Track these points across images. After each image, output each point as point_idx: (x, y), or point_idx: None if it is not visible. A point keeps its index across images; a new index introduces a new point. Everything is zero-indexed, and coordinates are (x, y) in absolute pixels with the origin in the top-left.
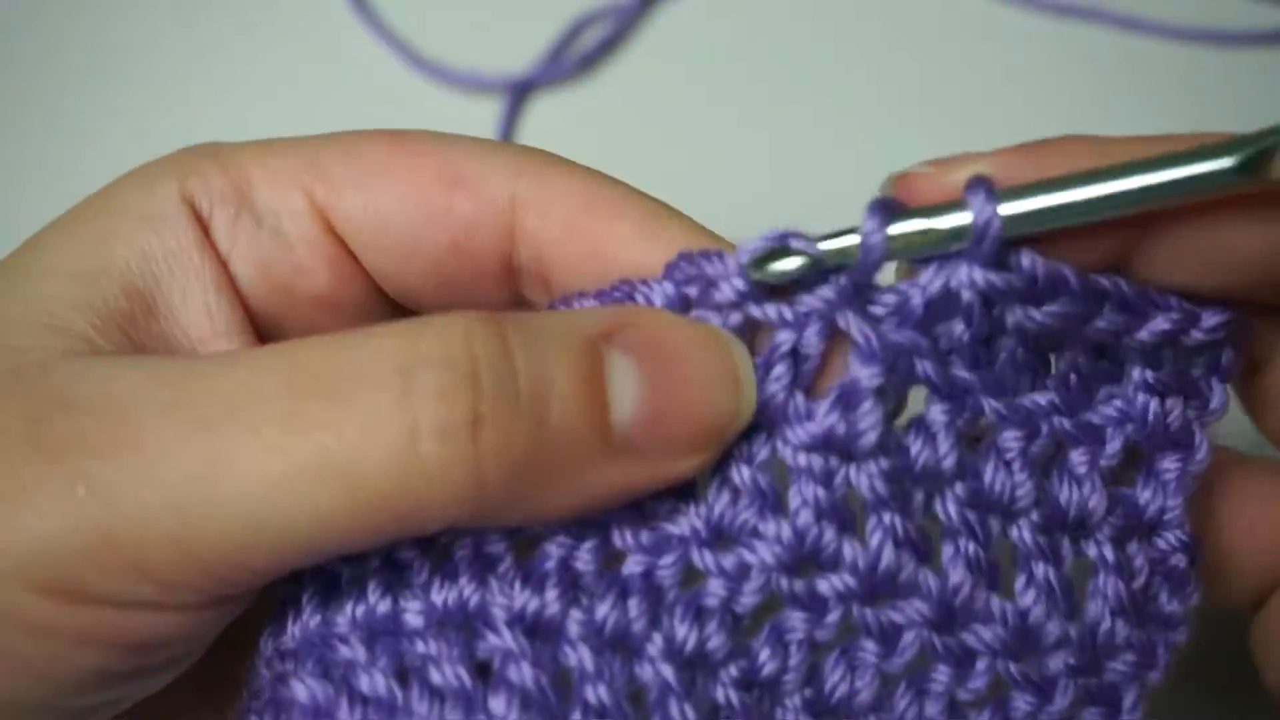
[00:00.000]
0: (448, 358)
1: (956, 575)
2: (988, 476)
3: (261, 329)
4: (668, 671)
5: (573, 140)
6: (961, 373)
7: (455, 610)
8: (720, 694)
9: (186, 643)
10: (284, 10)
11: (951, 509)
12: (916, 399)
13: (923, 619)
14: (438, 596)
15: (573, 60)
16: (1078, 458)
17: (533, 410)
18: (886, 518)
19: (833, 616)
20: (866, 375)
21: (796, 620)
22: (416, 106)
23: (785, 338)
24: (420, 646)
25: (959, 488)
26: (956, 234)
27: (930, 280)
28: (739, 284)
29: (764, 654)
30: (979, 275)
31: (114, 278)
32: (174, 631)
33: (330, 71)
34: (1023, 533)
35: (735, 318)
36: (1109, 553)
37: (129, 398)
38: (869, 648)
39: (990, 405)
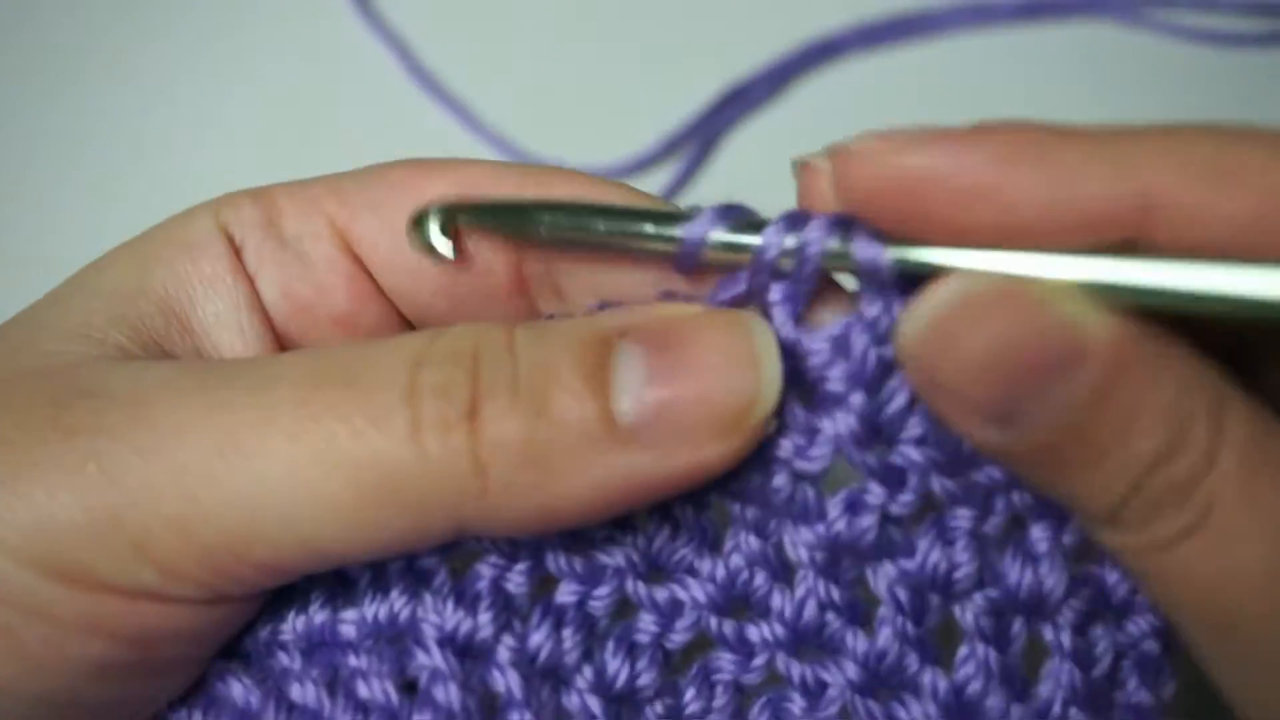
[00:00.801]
0: (453, 353)
1: (882, 642)
2: (922, 556)
3: (286, 349)
4: (595, 705)
5: None
6: (910, 451)
7: (387, 625)
8: None
9: (190, 642)
10: (318, 47)
11: (880, 583)
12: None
13: (847, 680)
14: (369, 610)
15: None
16: (1038, 534)
17: (530, 401)
18: (814, 581)
19: (759, 661)
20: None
21: (725, 662)
22: None
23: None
24: (352, 659)
25: (890, 565)
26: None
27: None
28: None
29: (690, 693)
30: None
31: (151, 298)
32: (176, 626)
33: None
34: (965, 612)
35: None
36: (1066, 638)
37: (151, 384)
38: (795, 699)
39: (941, 484)
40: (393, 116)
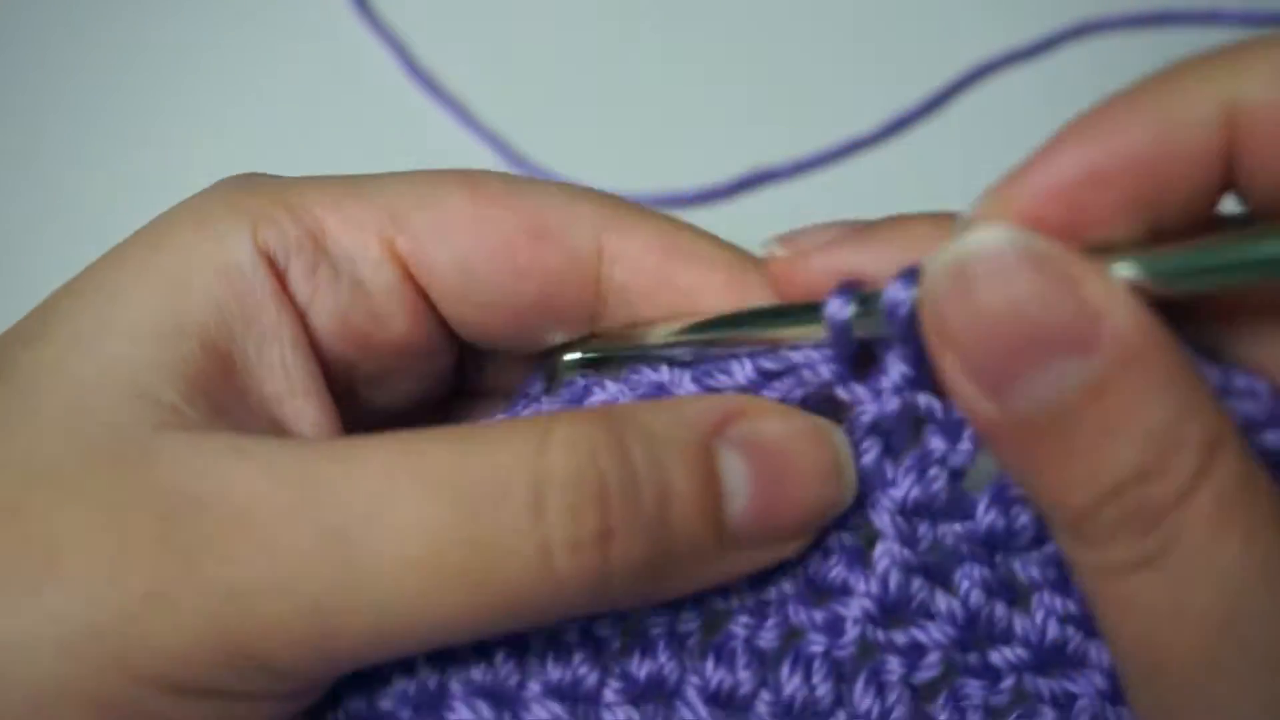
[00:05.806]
0: (577, 476)
1: (1039, 619)
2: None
3: (333, 374)
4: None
5: None
6: None
7: (654, 684)
8: None
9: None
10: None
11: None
12: None
13: (1017, 658)
14: (638, 670)
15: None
16: None
17: (656, 517)
18: (974, 570)
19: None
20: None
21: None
22: None
23: (869, 409)
24: (617, 716)
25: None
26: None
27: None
28: (826, 372)
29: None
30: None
31: (193, 336)
32: (277, 711)
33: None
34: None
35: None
36: None
37: (251, 500)
38: (972, 684)
39: None
40: (391, 116)
